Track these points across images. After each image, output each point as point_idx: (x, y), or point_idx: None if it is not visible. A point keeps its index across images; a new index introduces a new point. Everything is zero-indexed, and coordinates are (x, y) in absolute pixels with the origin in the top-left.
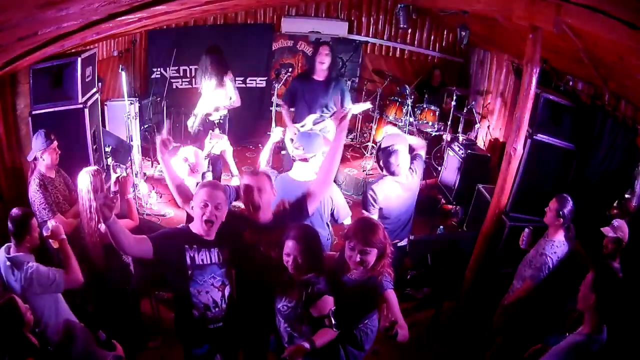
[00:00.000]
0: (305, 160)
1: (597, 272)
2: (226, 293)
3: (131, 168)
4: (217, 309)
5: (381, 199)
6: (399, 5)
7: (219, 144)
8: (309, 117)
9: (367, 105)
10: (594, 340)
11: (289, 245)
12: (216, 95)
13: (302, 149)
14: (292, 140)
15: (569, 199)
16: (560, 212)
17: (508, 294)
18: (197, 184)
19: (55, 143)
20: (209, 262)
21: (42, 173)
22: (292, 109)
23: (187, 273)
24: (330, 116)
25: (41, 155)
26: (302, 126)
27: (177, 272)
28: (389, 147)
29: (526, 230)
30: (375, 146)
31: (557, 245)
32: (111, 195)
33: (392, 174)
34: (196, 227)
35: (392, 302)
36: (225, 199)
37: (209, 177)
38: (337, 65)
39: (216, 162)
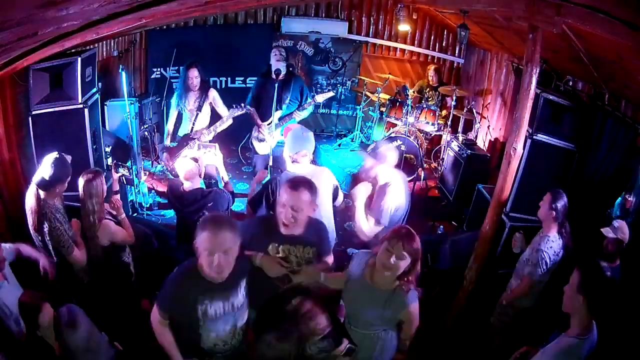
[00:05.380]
0: (297, 162)
1: (584, 273)
2: (237, 329)
3: (131, 168)
4: (226, 346)
5: None
6: (399, 5)
7: (211, 153)
8: (275, 114)
9: (330, 94)
10: (584, 341)
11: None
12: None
13: (304, 151)
14: (257, 138)
15: (563, 194)
16: (553, 205)
17: (506, 292)
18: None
19: (62, 187)
20: (222, 313)
21: (49, 204)
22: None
23: (198, 324)
24: (293, 111)
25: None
26: (269, 123)
27: (186, 321)
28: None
29: (517, 234)
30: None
31: (552, 240)
32: (112, 196)
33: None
34: (205, 271)
35: (414, 318)
36: (235, 239)
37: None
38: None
39: (211, 174)
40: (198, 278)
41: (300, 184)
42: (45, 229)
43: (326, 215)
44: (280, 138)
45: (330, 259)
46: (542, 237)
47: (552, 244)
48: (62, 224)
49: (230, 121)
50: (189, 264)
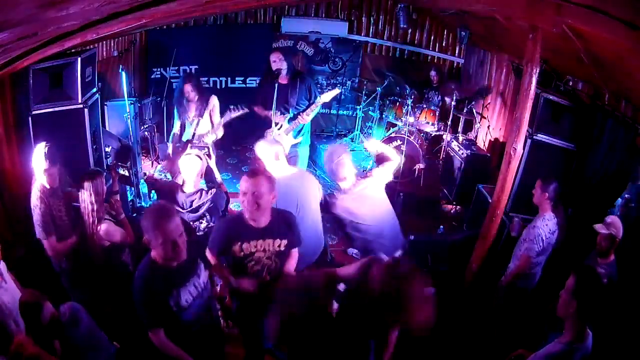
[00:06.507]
0: (277, 158)
1: (579, 278)
2: (210, 306)
3: (131, 168)
4: (205, 322)
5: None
6: (399, 5)
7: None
8: (285, 118)
9: (336, 92)
10: (575, 349)
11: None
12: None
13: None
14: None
15: (553, 179)
16: (546, 188)
17: (505, 276)
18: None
19: (53, 170)
20: (192, 299)
21: (42, 184)
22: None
23: (177, 321)
24: (301, 112)
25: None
26: (279, 128)
27: (167, 324)
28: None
29: (515, 219)
30: None
31: (547, 218)
32: (112, 196)
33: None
34: (162, 261)
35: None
36: (180, 224)
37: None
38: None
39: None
40: (159, 273)
41: (259, 172)
42: (32, 202)
43: (313, 218)
44: (294, 141)
45: (296, 252)
46: (538, 217)
47: (547, 222)
48: (49, 208)
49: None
50: (145, 265)
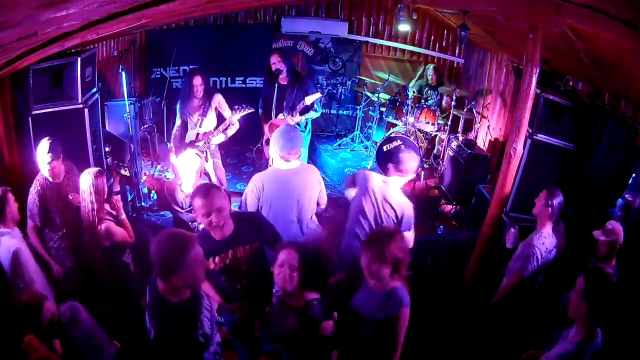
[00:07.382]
0: (288, 160)
1: (589, 279)
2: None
3: (131, 168)
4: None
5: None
6: (399, 5)
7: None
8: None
9: (317, 95)
10: (586, 349)
11: (283, 255)
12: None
13: (295, 150)
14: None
15: (559, 191)
16: (549, 202)
17: (498, 292)
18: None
19: (55, 163)
20: (209, 322)
21: (44, 177)
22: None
23: (203, 347)
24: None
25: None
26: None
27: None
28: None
29: (512, 230)
30: (375, 146)
31: (544, 236)
32: (112, 196)
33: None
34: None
35: (403, 324)
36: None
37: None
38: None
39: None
40: (178, 310)
41: (209, 188)
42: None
43: (314, 213)
44: None
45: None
46: (535, 233)
47: (544, 240)
48: (43, 200)
49: (237, 125)
50: (158, 307)
